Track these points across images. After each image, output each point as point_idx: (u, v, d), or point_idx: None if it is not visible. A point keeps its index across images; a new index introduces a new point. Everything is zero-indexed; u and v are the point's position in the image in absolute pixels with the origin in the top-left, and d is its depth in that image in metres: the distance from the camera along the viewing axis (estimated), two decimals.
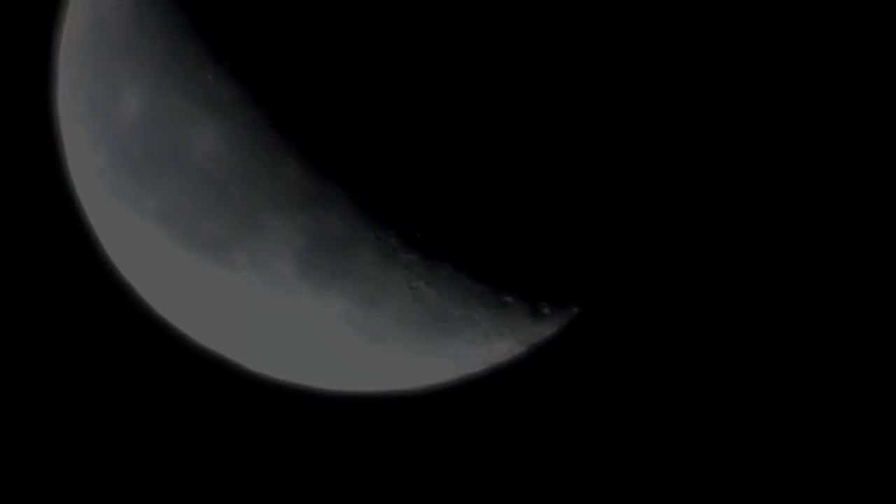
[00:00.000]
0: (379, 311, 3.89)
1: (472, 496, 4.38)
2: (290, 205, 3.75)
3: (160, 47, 3.77)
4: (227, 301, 3.97)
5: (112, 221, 4.13)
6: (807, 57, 4.28)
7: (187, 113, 3.75)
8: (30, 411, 4.38)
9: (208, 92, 3.71)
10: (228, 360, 4.27)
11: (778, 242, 4.45)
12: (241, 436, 4.34)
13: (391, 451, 4.34)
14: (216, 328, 4.13)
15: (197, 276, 3.96)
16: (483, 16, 3.65)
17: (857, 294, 4.46)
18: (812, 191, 4.38)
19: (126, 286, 4.29)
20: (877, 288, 4.43)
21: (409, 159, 3.68)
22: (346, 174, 3.71)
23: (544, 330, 4.22)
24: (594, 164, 3.83)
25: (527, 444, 4.38)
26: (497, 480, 4.38)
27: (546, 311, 4.08)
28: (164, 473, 4.32)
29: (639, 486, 4.44)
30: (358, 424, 4.33)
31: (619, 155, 3.87)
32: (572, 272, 4.00)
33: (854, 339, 4.47)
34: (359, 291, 3.84)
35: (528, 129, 3.71)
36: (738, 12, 4.02)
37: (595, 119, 3.79)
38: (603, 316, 4.35)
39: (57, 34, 4.27)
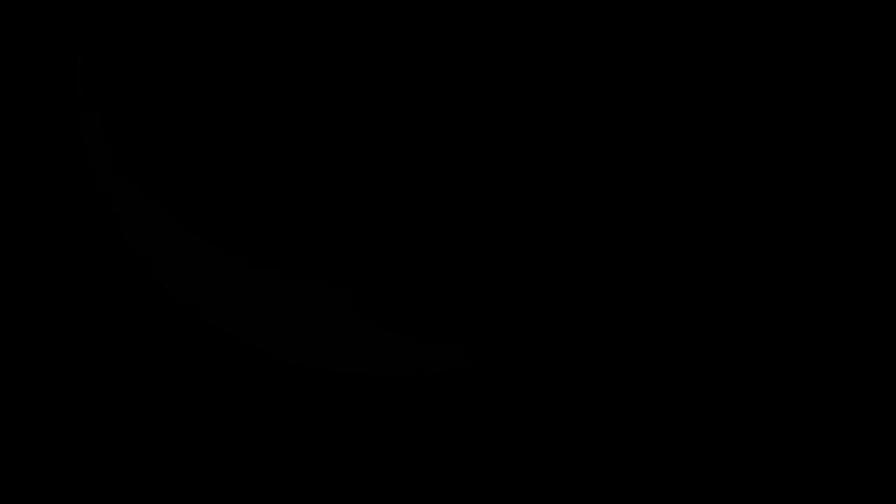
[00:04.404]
0: (390, 296, 3.91)
1: (483, 482, 4.40)
2: (306, 191, 3.78)
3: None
4: (241, 285, 4.00)
5: (130, 208, 4.17)
6: (804, 58, 4.29)
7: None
8: (46, 397, 4.42)
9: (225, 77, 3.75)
10: (241, 342, 4.30)
11: (787, 239, 4.47)
12: (254, 417, 4.38)
13: (401, 436, 4.36)
14: (230, 312, 4.16)
15: (213, 262, 4.00)
16: (490, 13, 3.68)
17: (858, 301, 4.47)
18: (811, 196, 4.39)
19: (144, 272, 4.32)
20: (878, 294, 4.45)
21: (420, 148, 3.71)
22: (359, 161, 3.74)
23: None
24: (608, 157, 3.85)
25: (538, 430, 4.40)
26: (509, 466, 4.41)
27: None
28: (177, 457, 4.36)
29: (651, 470, 4.46)
30: (366, 408, 4.36)
31: (631, 151, 3.89)
32: (584, 262, 4.02)
33: (855, 345, 4.48)
34: (370, 276, 3.87)
35: (544, 119, 3.74)
36: (738, 12, 4.04)
37: (598, 117, 3.81)
38: (614, 306, 4.37)
39: (76, 21, 4.30)
